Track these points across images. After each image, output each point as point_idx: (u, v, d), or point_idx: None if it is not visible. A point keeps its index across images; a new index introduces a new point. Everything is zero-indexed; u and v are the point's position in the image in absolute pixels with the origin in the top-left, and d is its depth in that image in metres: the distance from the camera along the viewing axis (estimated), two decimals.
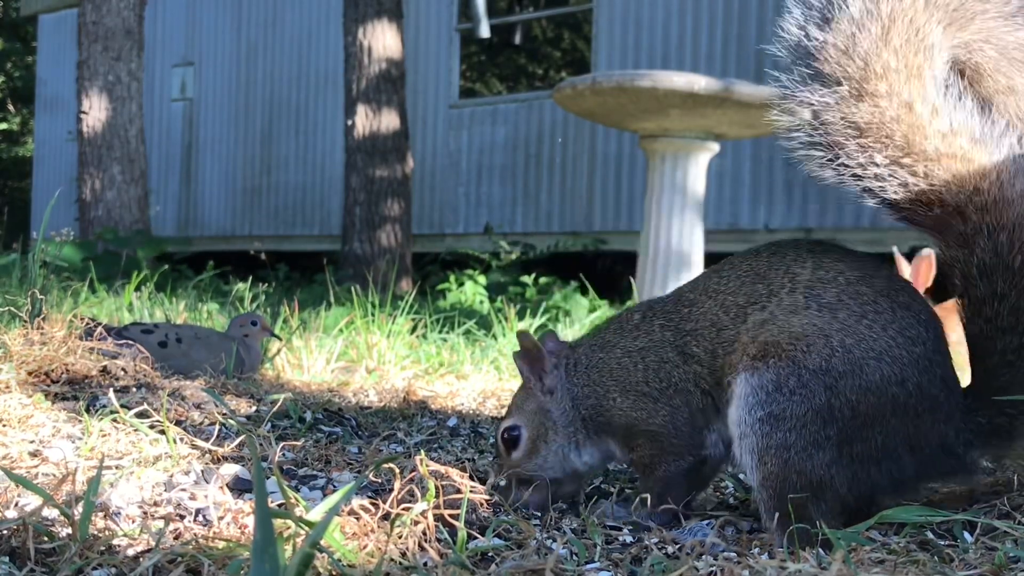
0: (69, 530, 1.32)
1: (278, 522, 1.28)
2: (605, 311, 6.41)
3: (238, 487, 1.71)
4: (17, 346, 2.50)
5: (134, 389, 2.56)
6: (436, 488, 1.48)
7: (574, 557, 1.48)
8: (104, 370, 2.62)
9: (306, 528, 1.27)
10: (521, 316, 5.15)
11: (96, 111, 10.04)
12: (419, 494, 1.48)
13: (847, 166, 1.63)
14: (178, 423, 2.21)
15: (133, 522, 1.46)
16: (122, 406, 2.00)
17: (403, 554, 1.36)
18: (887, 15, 1.58)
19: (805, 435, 1.51)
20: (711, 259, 6.14)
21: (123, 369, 2.66)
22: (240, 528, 1.41)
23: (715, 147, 5.78)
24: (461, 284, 9.04)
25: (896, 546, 1.42)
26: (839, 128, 1.62)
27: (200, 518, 1.51)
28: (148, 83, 13.51)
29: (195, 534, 1.40)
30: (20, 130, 26.28)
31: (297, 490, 1.77)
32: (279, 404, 2.42)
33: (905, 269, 4.24)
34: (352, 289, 5.17)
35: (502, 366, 3.96)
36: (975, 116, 1.61)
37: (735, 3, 10.42)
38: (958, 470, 1.61)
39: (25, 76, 24.99)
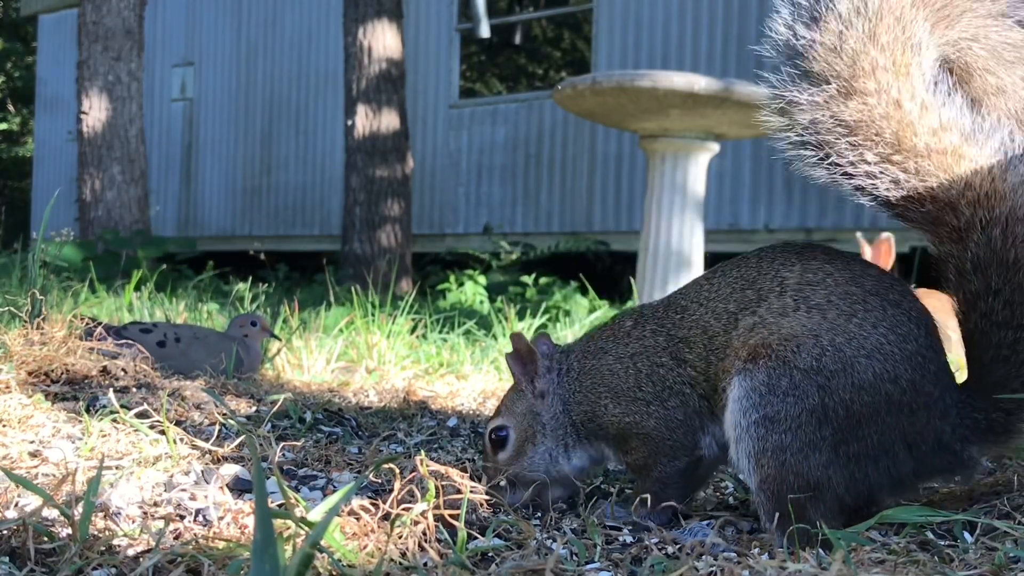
0: (69, 530, 1.32)
1: (278, 522, 1.28)
2: (605, 311, 6.41)
3: (238, 487, 1.71)
4: (17, 346, 2.50)
5: (134, 389, 2.56)
6: (436, 488, 1.48)
7: (574, 557, 1.48)
8: (104, 370, 2.62)
9: (306, 528, 1.27)
10: (521, 316, 5.15)
11: (96, 111, 10.04)
12: (419, 494, 1.48)
13: (838, 164, 1.63)
14: (178, 423, 2.21)
15: (133, 522, 1.46)
16: (122, 406, 2.00)
17: (403, 554, 1.36)
18: (875, 13, 1.58)
19: (801, 436, 1.51)
20: (711, 259, 6.15)
21: (123, 369, 2.66)
22: (240, 528, 1.41)
23: (715, 147, 5.78)
24: (461, 284, 9.04)
25: (896, 546, 1.42)
26: (829, 127, 1.62)
27: (200, 518, 1.51)
28: (148, 83, 13.52)
29: (195, 534, 1.40)
30: (20, 130, 26.28)
31: (297, 490, 1.77)
32: (279, 404, 2.42)
33: (867, 252, 4.26)
34: (352, 289, 5.17)
35: (502, 366, 3.95)
36: (965, 112, 1.61)
37: (735, 3, 10.42)
38: (956, 467, 1.61)
39: (25, 76, 24.99)
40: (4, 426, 1.94)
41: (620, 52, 11.23)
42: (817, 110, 1.62)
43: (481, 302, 8.32)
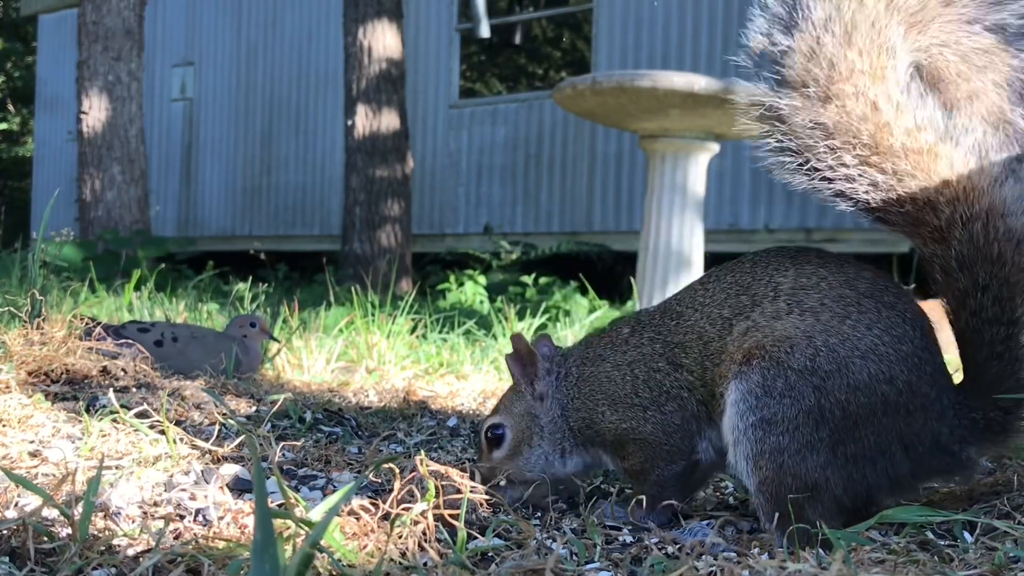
0: (69, 530, 1.32)
1: (278, 522, 1.28)
2: (605, 311, 6.41)
3: (238, 487, 1.71)
4: (17, 346, 2.50)
5: (134, 389, 2.56)
6: (436, 488, 1.48)
7: (574, 557, 1.48)
8: (104, 370, 2.62)
9: (306, 528, 1.27)
10: (521, 316, 5.15)
11: (96, 111, 10.04)
12: (419, 494, 1.48)
13: (817, 169, 1.65)
14: (178, 423, 2.21)
15: (133, 522, 1.46)
16: (122, 406, 2.00)
17: (403, 554, 1.36)
18: (850, 18, 1.60)
19: (798, 438, 1.52)
20: (711, 259, 6.15)
21: (123, 369, 2.66)
22: (240, 528, 1.41)
23: (715, 147, 5.78)
24: (461, 284, 9.04)
25: (896, 546, 1.42)
26: (808, 130, 1.64)
27: (200, 518, 1.51)
28: (148, 83, 13.51)
29: (195, 534, 1.40)
30: (20, 130, 26.28)
31: (297, 490, 1.77)
32: (279, 404, 2.42)
33: None
34: (352, 289, 5.17)
35: (502, 366, 3.95)
36: (939, 113, 1.63)
37: (735, 3, 10.42)
38: (954, 467, 1.61)
39: (25, 76, 24.99)
40: (4, 426, 1.94)
41: (620, 52, 11.23)
42: (796, 115, 1.64)
43: (481, 302, 8.33)
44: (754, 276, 1.67)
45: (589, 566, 1.43)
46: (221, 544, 1.32)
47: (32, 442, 1.89)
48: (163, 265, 7.05)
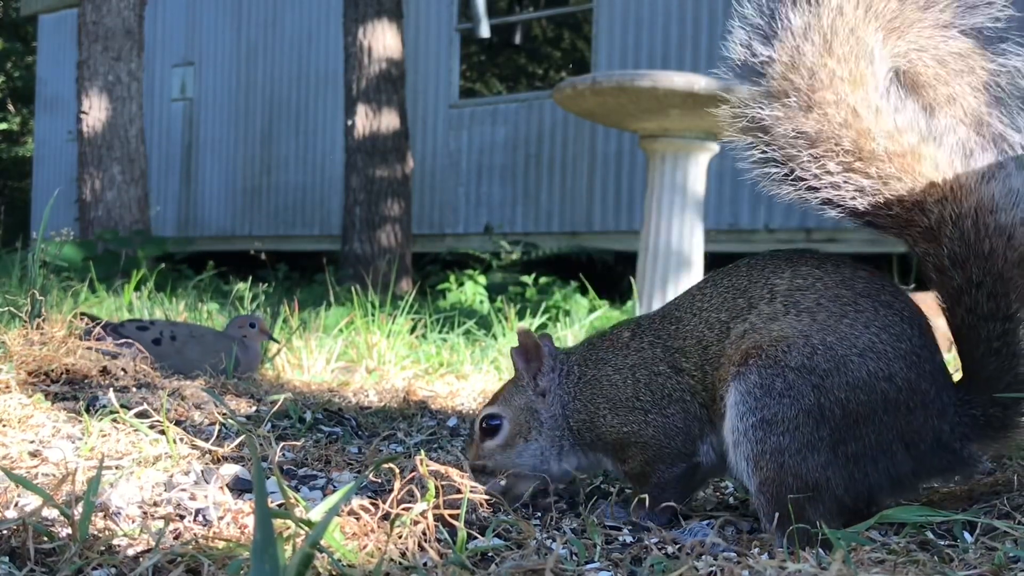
0: (69, 530, 1.32)
1: (278, 522, 1.28)
2: (605, 311, 6.41)
3: (238, 487, 1.71)
4: (17, 346, 2.50)
5: (134, 389, 2.56)
6: (436, 488, 1.48)
7: (574, 557, 1.48)
8: (104, 370, 2.62)
9: (306, 528, 1.27)
10: (521, 316, 5.15)
11: (96, 111, 10.04)
12: (419, 494, 1.48)
13: (802, 179, 1.66)
14: (178, 423, 2.21)
15: (133, 522, 1.46)
16: (122, 406, 2.00)
17: (403, 554, 1.36)
18: (828, 26, 1.62)
19: (798, 437, 1.52)
20: (711, 259, 6.14)
21: (123, 369, 2.66)
22: (240, 528, 1.41)
23: (715, 147, 5.78)
24: (461, 284, 9.04)
25: (896, 546, 1.42)
26: (790, 140, 1.65)
27: (200, 518, 1.51)
28: (148, 83, 13.51)
29: (195, 534, 1.40)
30: (20, 130, 26.28)
31: (297, 490, 1.77)
32: (279, 404, 2.42)
33: None
34: (352, 289, 5.17)
35: (502, 366, 3.95)
36: (919, 115, 1.65)
37: (735, 3, 10.41)
38: (956, 465, 1.61)
39: (25, 76, 24.99)
40: (4, 426, 1.94)
41: (620, 52, 11.23)
42: (779, 124, 1.65)
43: (481, 302, 8.33)
44: (750, 279, 1.68)
45: (589, 566, 1.43)
46: (221, 544, 1.32)
47: (32, 442, 1.89)
48: (163, 265, 7.04)
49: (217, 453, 1.88)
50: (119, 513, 1.48)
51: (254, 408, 2.61)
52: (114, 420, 2.00)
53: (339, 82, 11.71)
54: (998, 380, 1.61)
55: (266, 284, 6.44)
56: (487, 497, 1.69)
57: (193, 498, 1.58)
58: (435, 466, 1.58)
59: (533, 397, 1.83)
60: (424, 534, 1.42)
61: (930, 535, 1.52)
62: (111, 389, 2.30)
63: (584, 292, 7.93)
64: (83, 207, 10.19)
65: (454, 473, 1.63)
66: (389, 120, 9.87)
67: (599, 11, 11.47)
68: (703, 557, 1.44)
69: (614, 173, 11.34)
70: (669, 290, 5.59)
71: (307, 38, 14.26)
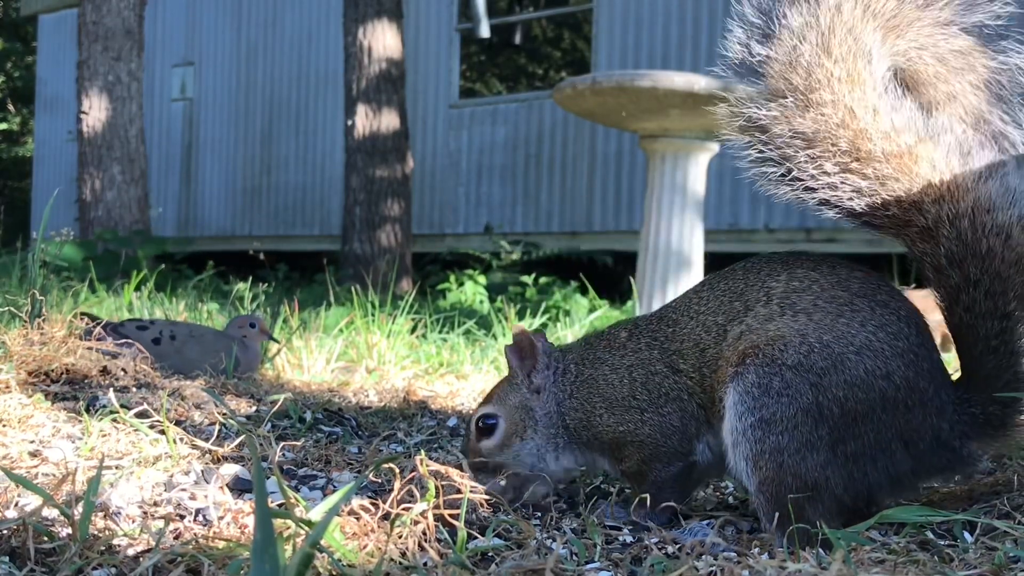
0: (69, 530, 1.32)
1: (278, 522, 1.28)
2: (605, 311, 6.41)
3: (238, 487, 1.71)
4: (17, 346, 2.50)
5: (134, 389, 2.56)
6: (436, 488, 1.48)
7: (574, 557, 1.48)
8: (104, 370, 2.62)
9: (306, 528, 1.27)
10: (521, 316, 5.15)
11: (96, 111, 10.04)
12: (419, 494, 1.48)
13: (799, 179, 1.66)
14: (178, 423, 2.21)
15: (133, 522, 1.46)
16: (122, 406, 2.00)
17: (403, 554, 1.36)
18: (827, 26, 1.62)
19: (797, 436, 1.52)
20: (711, 259, 6.14)
21: (123, 369, 2.66)
22: (240, 528, 1.41)
23: (715, 147, 5.78)
24: (461, 284, 9.04)
25: (896, 546, 1.42)
26: (787, 139, 1.65)
27: (200, 518, 1.51)
28: (148, 83, 13.51)
29: (195, 534, 1.40)
30: (20, 130, 26.27)
31: (297, 490, 1.77)
32: (279, 404, 2.42)
33: None
34: (352, 289, 5.17)
35: (502, 366, 3.95)
36: (917, 115, 1.65)
37: (734, 2, 10.40)
38: (955, 463, 1.61)
39: (25, 76, 24.99)
40: (4, 426, 1.94)
41: (620, 52, 11.23)
42: (776, 124, 1.65)
43: (481, 302, 8.33)
44: (747, 282, 1.68)
45: (589, 566, 1.43)
46: (221, 544, 1.32)
47: (32, 442, 1.89)
48: (163, 265, 7.04)
49: (217, 453, 1.88)
50: (119, 513, 1.48)
51: (254, 408, 2.61)
52: (114, 420, 2.00)
53: (339, 82, 11.71)
54: (997, 378, 1.62)
55: (266, 284, 6.44)
56: (487, 497, 1.69)
57: (193, 498, 1.58)
58: (435, 466, 1.58)
59: (528, 395, 1.83)
60: (424, 534, 1.42)
61: (930, 535, 1.52)
62: (111, 389, 2.30)
63: (584, 292, 7.93)
64: (83, 207, 10.19)
65: (454, 473, 1.63)
66: (389, 120, 9.87)
67: (599, 11, 11.47)
68: (703, 557, 1.44)
69: (614, 173, 11.34)
70: (669, 290, 5.59)
71: (307, 38, 14.26)
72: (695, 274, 5.73)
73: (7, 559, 1.26)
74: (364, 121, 9.81)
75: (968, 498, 1.76)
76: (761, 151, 1.68)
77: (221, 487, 1.56)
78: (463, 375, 3.81)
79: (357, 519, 1.40)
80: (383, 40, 9.83)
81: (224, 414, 2.21)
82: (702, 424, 1.71)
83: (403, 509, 1.43)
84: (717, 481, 2.07)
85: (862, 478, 1.54)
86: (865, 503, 1.58)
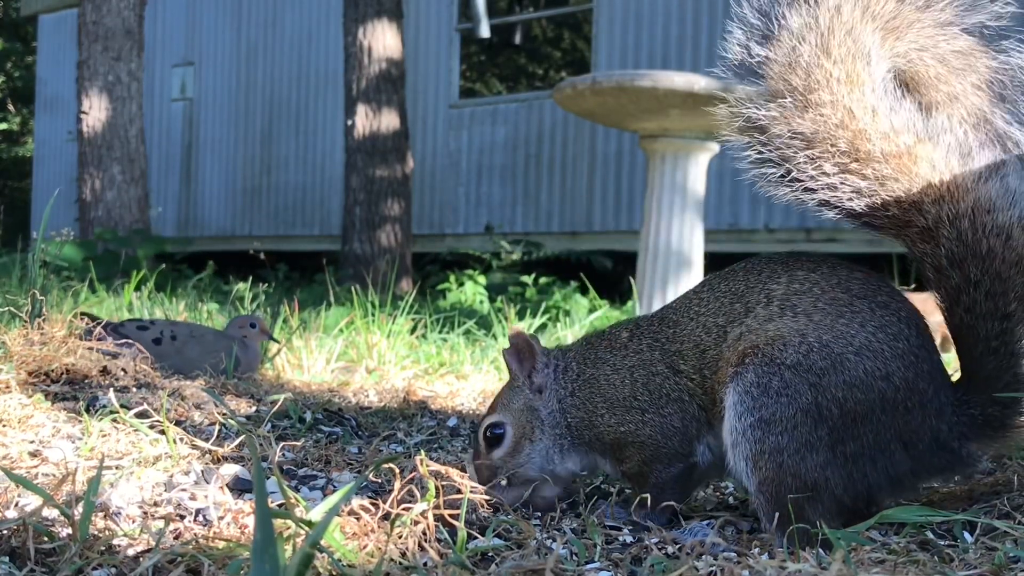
0: (69, 530, 1.32)
1: (278, 522, 1.28)
2: (605, 311, 6.41)
3: (238, 487, 1.71)
4: (17, 346, 2.50)
5: (134, 389, 2.56)
6: (436, 488, 1.48)
7: (574, 557, 1.48)
8: (104, 370, 2.62)
9: (306, 528, 1.27)
10: (521, 316, 5.16)
11: (96, 111, 10.04)
12: (419, 494, 1.48)
13: (799, 180, 1.66)
14: (178, 423, 2.21)
15: (133, 522, 1.46)
16: (122, 406, 2.00)
17: (403, 554, 1.36)
18: (826, 27, 1.62)
19: (797, 437, 1.52)
20: (711, 259, 6.13)
21: (123, 369, 2.66)
22: (240, 528, 1.41)
23: (715, 147, 5.78)
24: (461, 284, 9.04)
25: (896, 546, 1.42)
26: (786, 140, 1.65)
27: (200, 518, 1.51)
28: (148, 83, 13.51)
29: (195, 534, 1.40)
30: (20, 130, 26.28)
31: (297, 490, 1.77)
32: (279, 404, 2.42)
33: None
34: (352, 289, 5.17)
35: (502, 366, 3.95)
36: (916, 115, 1.65)
37: (733, 3, 10.40)
38: (955, 464, 1.61)
39: (25, 76, 24.99)
40: (4, 426, 1.94)
41: (620, 52, 11.23)
42: (775, 125, 1.65)
43: (481, 302, 8.33)
44: (747, 284, 1.68)
45: (589, 566, 1.43)
46: (221, 544, 1.32)
47: (32, 442, 1.89)
48: (163, 265, 7.04)
49: (217, 453, 1.88)
50: (119, 513, 1.48)
51: (254, 408, 2.61)
52: (114, 420, 2.00)
53: (339, 82, 11.71)
54: (997, 379, 1.62)
55: (266, 284, 6.44)
56: (487, 497, 1.70)
57: (193, 498, 1.58)
58: (435, 466, 1.58)
59: (531, 395, 1.82)
60: (424, 534, 1.42)
61: (930, 535, 1.52)
62: (111, 389, 2.30)
63: (584, 292, 7.93)
64: (83, 207, 10.19)
65: (454, 473, 1.63)
66: (389, 120, 9.87)
67: (599, 11, 11.47)
68: (703, 557, 1.44)
69: (614, 173, 11.34)
70: (669, 290, 5.59)
71: (307, 38, 14.26)
72: (695, 274, 5.73)
73: (7, 559, 1.26)
74: (364, 121, 9.81)
75: (968, 498, 1.76)
76: (761, 152, 1.68)
77: (221, 487, 1.56)
78: (463, 375, 3.81)
79: (357, 519, 1.40)
80: (383, 40, 9.83)
81: (224, 414, 2.21)
82: (703, 425, 1.71)
83: (403, 509, 1.43)
84: (717, 481, 2.07)
85: (861, 478, 1.54)
86: (865, 503, 1.58)
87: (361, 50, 9.80)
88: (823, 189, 1.66)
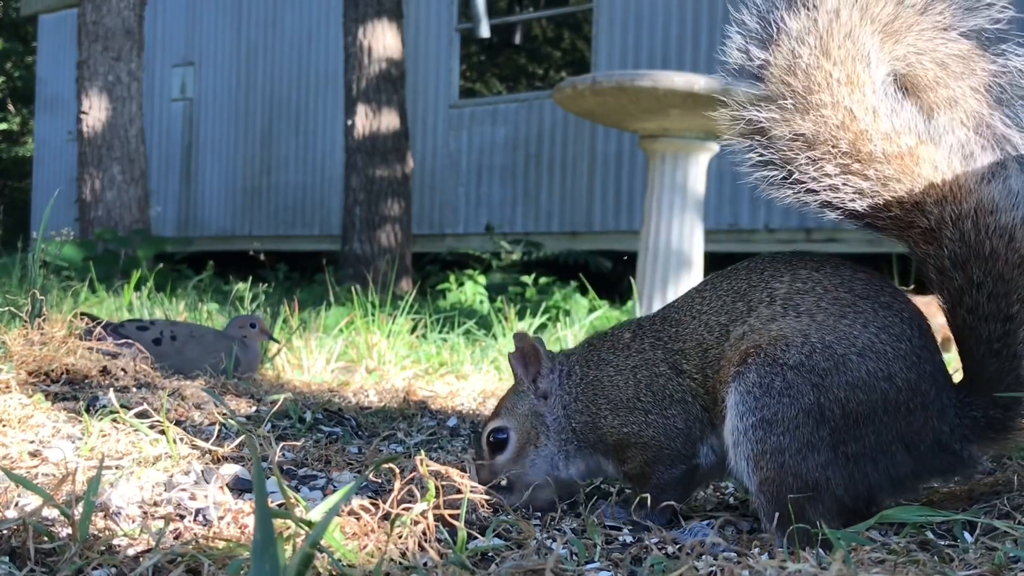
0: (69, 530, 1.32)
1: (278, 522, 1.28)
2: (605, 311, 6.41)
3: (238, 487, 1.71)
4: (17, 346, 2.50)
5: (134, 389, 2.56)
6: (436, 488, 1.48)
7: (574, 557, 1.48)
8: (104, 370, 2.62)
9: (306, 528, 1.27)
10: (521, 316, 5.15)
11: (96, 111, 10.04)
12: (419, 494, 1.48)
13: (801, 182, 1.67)
14: (178, 423, 2.21)
15: (133, 522, 1.46)
16: (122, 406, 2.00)
17: (403, 554, 1.36)
18: (825, 29, 1.62)
19: (799, 437, 1.52)
20: (711, 259, 6.13)
21: (123, 369, 2.66)
22: (240, 528, 1.41)
23: (715, 147, 5.78)
24: (461, 284, 9.04)
25: (896, 546, 1.42)
26: (788, 142, 1.65)
27: (200, 518, 1.51)
28: (148, 83, 13.51)
29: (195, 534, 1.40)
30: (20, 130, 26.27)
31: (297, 490, 1.77)
32: (279, 404, 2.42)
33: None
34: (352, 289, 5.17)
35: (502, 366, 3.95)
36: (917, 117, 1.65)
37: (736, 3, 10.40)
38: (956, 466, 1.61)
39: (25, 76, 24.98)
40: (4, 426, 1.94)
41: (620, 52, 11.23)
42: (776, 127, 1.65)
43: (481, 302, 8.33)
44: (750, 282, 1.68)
45: (589, 566, 1.43)
46: (221, 544, 1.32)
47: (32, 442, 1.89)
48: (162, 265, 7.04)
49: (217, 453, 1.88)
50: (119, 513, 1.48)
51: (254, 408, 2.61)
52: (114, 420, 2.00)
53: (339, 82, 11.71)
54: (999, 381, 1.61)
55: (266, 284, 6.44)
56: (487, 497, 1.69)
57: (193, 498, 1.58)
58: (435, 466, 1.58)
59: (536, 401, 1.82)
60: (424, 534, 1.41)
61: (930, 535, 1.52)
62: (111, 389, 2.30)
63: (584, 292, 7.93)
64: (83, 207, 10.19)
65: (454, 473, 1.63)
66: (389, 120, 9.87)
67: (599, 11, 11.47)
68: (703, 557, 1.44)
69: (614, 173, 11.34)
70: (669, 290, 5.59)
71: (307, 38, 14.26)
72: (695, 274, 5.73)
73: (7, 559, 1.26)
74: (364, 121, 9.81)
75: (968, 498, 1.76)
76: (762, 154, 1.69)
77: (221, 487, 1.56)
78: (463, 375, 3.81)
79: (357, 519, 1.40)
80: (383, 40, 9.83)
81: (224, 414, 2.21)
82: (706, 427, 1.71)
83: (403, 509, 1.43)
84: (717, 481, 2.07)
85: (862, 479, 1.54)
86: (865, 504, 1.58)
87: (361, 50, 9.80)
88: (825, 190, 1.66)
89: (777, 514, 1.52)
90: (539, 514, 1.78)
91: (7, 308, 2.76)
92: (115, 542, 1.34)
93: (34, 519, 1.30)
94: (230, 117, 15.23)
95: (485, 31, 11.20)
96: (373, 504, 1.45)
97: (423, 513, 1.44)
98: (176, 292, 6.28)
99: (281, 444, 1.98)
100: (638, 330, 1.81)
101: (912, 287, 3.54)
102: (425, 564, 1.33)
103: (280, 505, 1.46)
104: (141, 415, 1.96)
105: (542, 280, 9.31)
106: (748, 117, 1.68)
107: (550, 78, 19.11)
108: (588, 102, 5.56)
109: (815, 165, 1.65)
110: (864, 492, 1.56)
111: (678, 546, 1.55)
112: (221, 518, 1.43)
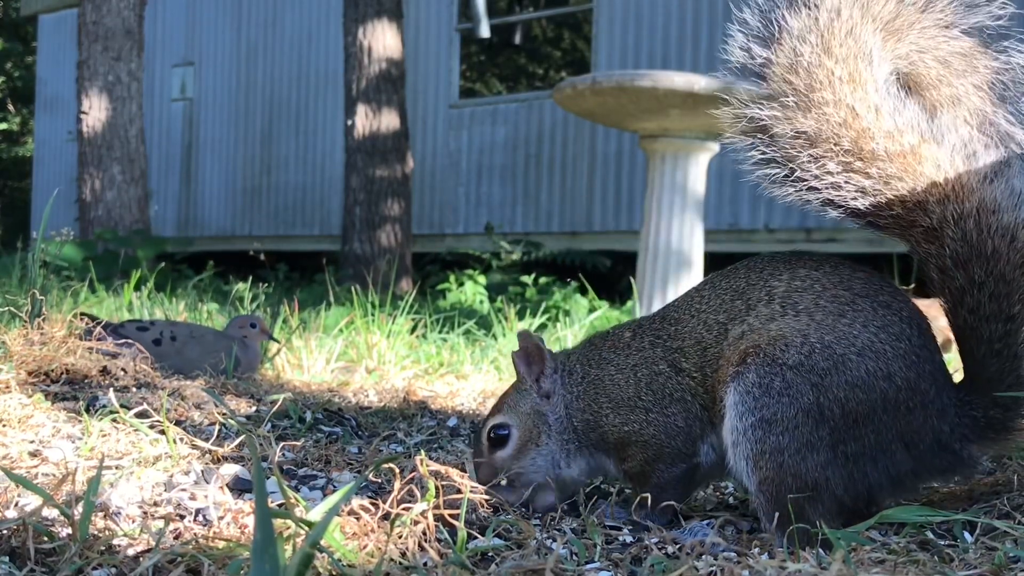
0: (69, 530, 1.32)
1: (278, 522, 1.28)
2: (605, 311, 6.41)
3: (238, 487, 1.71)
4: (17, 346, 2.50)
5: (134, 389, 2.56)
6: (436, 488, 1.48)
7: (574, 557, 1.48)
8: (104, 370, 2.62)
9: (306, 528, 1.27)
10: (521, 316, 5.15)
11: (96, 111, 10.04)
12: (419, 494, 1.48)
13: (802, 179, 1.67)
14: (178, 423, 2.21)
15: (133, 522, 1.46)
16: (122, 406, 2.00)
17: (403, 554, 1.36)
18: (826, 27, 1.62)
19: (798, 437, 1.52)
20: (711, 259, 6.13)
21: (123, 369, 2.66)
22: (240, 528, 1.41)
23: (715, 147, 5.78)
24: (461, 284, 9.04)
25: (896, 546, 1.42)
26: (790, 140, 1.65)
27: (200, 518, 1.51)
28: (148, 83, 13.51)
29: (195, 534, 1.40)
30: (20, 130, 26.27)
31: (297, 490, 1.77)
32: (279, 404, 2.42)
33: None
34: (352, 289, 5.17)
35: (502, 366, 3.96)
36: (920, 115, 1.65)
37: (736, 3, 10.40)
38: (956, 466, 1.61)
39: (25, 76, 24.98)
40: (4, 426, 1.94)
41: (620, 52, 11.23)
42: (778, 125, 1.65)
43: (481, 302, 8.32)
44: (749, 281, 1.68)
45: (589, 566, 1.43)
46: (221, 544, 1.32)
47: (32, 442, 1.89)
48: (163, 265, 7.04)
49: (217, 453, 1.88)
50: (119, 513, 1.48)
51: (254, 408, 2.61)
52: (114, 420, 2.00)
53: (339, 82, 11.71)
54: (999, 381, 1.61)
55: (266, 284, 6.44)
56: (487, 497, 1.69)
57: (193, 498, 1.58)
58: (435, 466, 1.58)
59: (538, 400, 1.82)
60: (424, 534, 1.41)
61: (930, 535, 1.52)
62: (111, 389, 2.30)
63: (584, 292, 7.93)
64: (83, 207, 10.19)
65: (454, 473, 1.63)
66: (389, 120, 9.87)
67: (599, 11, 11.47)
68: (703, 557, 1.44)
69: (614, 173, 11.34)
70: (669, 290, 5.59)
71: (307, 38, 14.26)
72: (695, 274, 5.73)
73: (7, 559, 1.26)
74: (364, 121, 9.81)
75: (968, 498, 1.76)
76: (764, 152, 1.69)
77: (221, 487, 1.56)
78: (463, 375, 3.81)
79: (357, 519, 1.40)
80: (383, 40, 9.83)
81: (224, 414, 2.21)
82: (706, 426, 1.71)
83: (403, 509, 1.43)
84: (717, 481, 2.07)
85: (862, 479, 1.54)
86: (865, 503, 1.58)
87: (361, 50, 9.80)
88: (827, 188, 1.66)
89: (777, 514, 1.52)
90: (539, 514, 1.78)
91: (7, 308, 2.76)
92: (115, 542, 1.34)
93: (34, 519, 1.30)
94: (230, 117, 15.23)
95: (485, 31, 11.20)
96: (373, 504, 1.45)
97: (423, 513, 1.44)
98: (176, 292, 6.28)
99: (281, 444, 1.98)
100: (638, 329, 1.81)
101: (912, 287, 3.54)
102: (425, 564, 1.33)
103: (280, 505, 1.46)
104: (141, 415, 1.96)
105: (542, 280, 9.31)
106: (750, 115, 1.68)
107: (550, 78, 19.10)
108: (588, 102, 5.56)
109: (817, 163, 1.65)
110: (864, 492, 1.56)
111: (678, 546, 1.55)
112: (221, 518, 1.43)
